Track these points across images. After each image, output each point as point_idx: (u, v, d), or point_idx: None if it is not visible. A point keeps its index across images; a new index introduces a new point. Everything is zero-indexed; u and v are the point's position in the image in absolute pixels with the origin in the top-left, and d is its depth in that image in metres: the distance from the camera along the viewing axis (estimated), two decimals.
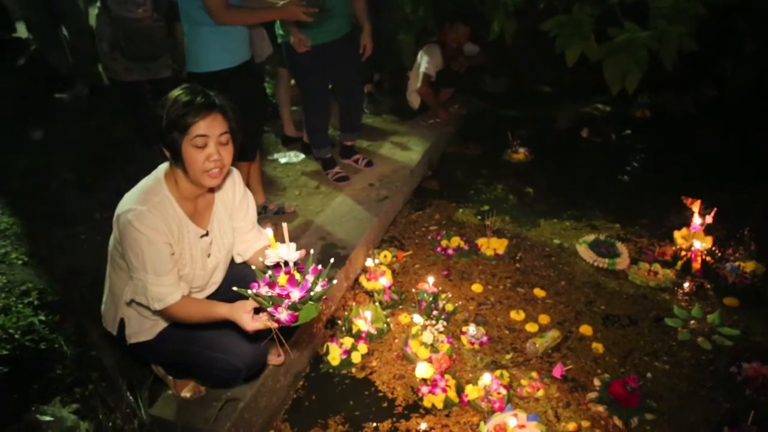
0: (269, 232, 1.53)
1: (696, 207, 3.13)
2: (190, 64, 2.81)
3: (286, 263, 1.51)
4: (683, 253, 3.09)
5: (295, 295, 1.47)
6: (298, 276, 1.50)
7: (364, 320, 2.63)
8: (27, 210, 3.40)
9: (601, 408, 2.21)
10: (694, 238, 3.07)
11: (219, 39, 2.74)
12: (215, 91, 1.71)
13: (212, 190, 1.87)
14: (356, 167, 3.90)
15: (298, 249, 1.50)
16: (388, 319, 2.73)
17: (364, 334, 2.60)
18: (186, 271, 1.81)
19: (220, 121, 1.66)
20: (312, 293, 1.49)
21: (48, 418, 2.05)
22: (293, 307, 1.48)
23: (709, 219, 3.09)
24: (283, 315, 1.48)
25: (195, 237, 1.82)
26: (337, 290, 2.85)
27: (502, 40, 4.65)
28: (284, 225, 1.52)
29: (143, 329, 1.89)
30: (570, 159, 4.43)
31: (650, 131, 4.73)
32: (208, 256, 1.89)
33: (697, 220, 3.11)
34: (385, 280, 2.91)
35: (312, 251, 1.60)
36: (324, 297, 1.54)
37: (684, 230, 3.15)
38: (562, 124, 4.96)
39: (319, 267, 1.54)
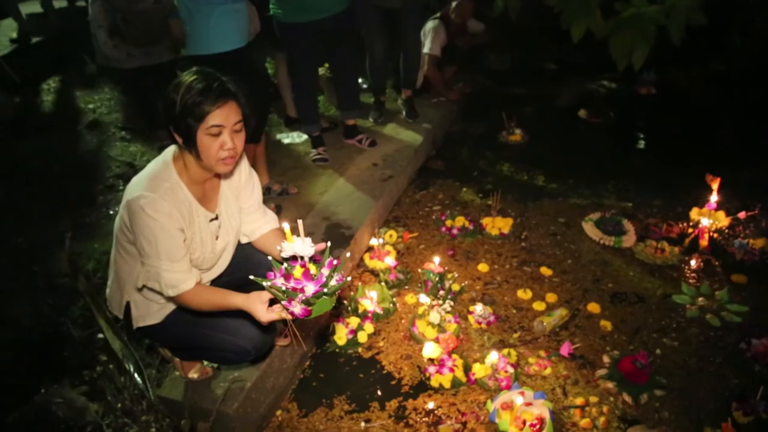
0: (286, 226, 1.52)
1: (715, 185, 3.09)
2: (197, 46, 2.76)
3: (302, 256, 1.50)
4: (690, 230, 3.07)
5: (310, 289, 1.47)
6: (313, 269, 1.49)
7: (370, 300, 2.63)
8: (32, 194, 3.39)
9: (610, 384, 2.21)
10: (711, 217, 3.03)
11: (230, 18, 2.71)
12: (225, 72, 1.68)
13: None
14: (360, 147, 3.86)
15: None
16: (394, 299, 2.72)
17: (370, 314, 2.60)
18: (196, 255, 1.80)
19: (235, 109, 1.63)
20: (326, 288, 1.49)
21: (58, 400, 2.07)
22: (306, 301, 1.48)
23: (741, 215, 3.04)
24: (297, 309, 1.48)
25: (205, 221, 1.81)
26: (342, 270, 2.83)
27: (506, 16, 4.58)
28: (300, 222, 1.51)
29: (150, 312, 1.88)
30: (569, 139, 4.35)
31: (655, 109, 4.67)
32: (216, 238, 1.88)
33: (713, 197, 3.07)
34: (390, 260, 2.90)
35: (329, 243, 1.58)
36: (338, 291, 1.54)
37: (704, 209, 3.12)
38: (563, 102, 4.89)
39: (335, 261, 1.54)
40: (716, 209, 3.09)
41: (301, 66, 3.49)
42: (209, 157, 1.64)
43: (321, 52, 3.55)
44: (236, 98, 1.64)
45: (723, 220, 3.03)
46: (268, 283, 1.50)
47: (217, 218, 1.86)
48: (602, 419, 2.07)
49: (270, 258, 1.59)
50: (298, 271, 1.48)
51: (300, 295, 1.46)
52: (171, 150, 1.75)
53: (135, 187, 1.67)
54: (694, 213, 3.14)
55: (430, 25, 4.52)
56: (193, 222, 1.76)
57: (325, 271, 1.50)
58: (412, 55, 4.19)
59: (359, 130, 3.95)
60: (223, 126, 1.61)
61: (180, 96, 1.58)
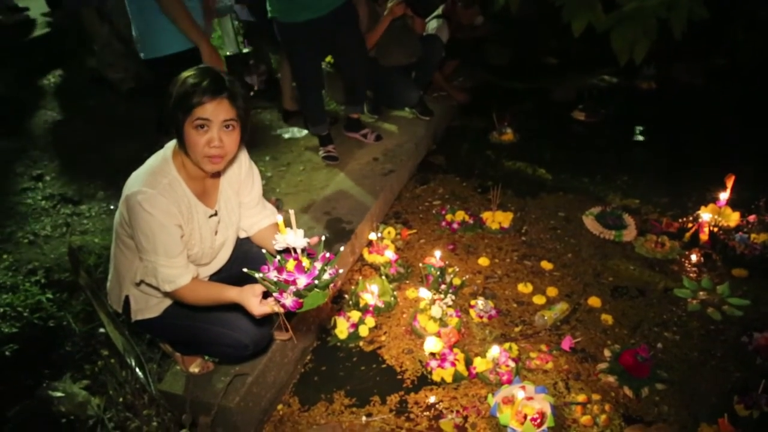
0: (279, 218, 1.52)
1: (730, 183, 3.06)
2: (167, 45, 2.60)
3: (295, 249, 1.50)
4: (690, 224, 3.06)
5: (302, 281, 1.47)
6: (306, 262, 1.50)
7: (371, 294, 2.63)
8: (32, 188, 3.39)
9: (611, 378, 2.21)
10: (722, 216, 3.02)
11: (195, 13, 2.65)
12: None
13: None
14: (363, 141, 3.84)
15: (303, 225, 1.49)
16: (395, 293, 2.72)
17: (371, 308, 2.60)
18: (195, 251, 1.80)
19: (226, 106, 1.60)
20: (318, 281, 1.49)
21: (59, 394, 2.06)
22: (298, 293, 1.48)
23: (751, 218, 3.01)
24: (288, 301, 1.49)
25: (204, 217, 1.80)
26: (343, 264, 2.83)
27: (507, 10, 4.56)
28: (291, 211, 1.51)
29: (148, 306, 1.88)
30: (567, 135, 4.32)
31: (656, 104, 4.65)
32: (216, 233, 1.88)
33: (723, 195, 3.05)
34: (390, 253, 2.90)
35: (323, 237, 1.59)
36: (331, 285, 1.54)
37: (714, 206, 3.09)
38: (559, 96, 4.85)
39: (328, 255, 1.54)
40: (732, 208, 3.05)
41: (305, 66, 3.42)
42: (195, 152, 1.62)
43: (323, 50, 3.51)
44: (230, 95, 1.60)
45: (733, 220, 3.01)
46: (261, 275, 1.50)
47: (216, 214, 1.85)
48: (603, 417, 2.07)
49: (264, 251, 1.58)
50: (290, 263, 1.49)
51: (291, 287, 1.47)
52: (171, 145, 1.74)
53: (134, 182, 1.67)
54: (708, 211, 3.08)
55: (434, 24, 4.49)
56: (192, 218, 1.76)
57: (318, 265, 1.51)
58: (422, 69, 4.31)
59: (363, 124, 3.93)
60: (209, 120, 1.58)
61: (175, 90, 1.58)
